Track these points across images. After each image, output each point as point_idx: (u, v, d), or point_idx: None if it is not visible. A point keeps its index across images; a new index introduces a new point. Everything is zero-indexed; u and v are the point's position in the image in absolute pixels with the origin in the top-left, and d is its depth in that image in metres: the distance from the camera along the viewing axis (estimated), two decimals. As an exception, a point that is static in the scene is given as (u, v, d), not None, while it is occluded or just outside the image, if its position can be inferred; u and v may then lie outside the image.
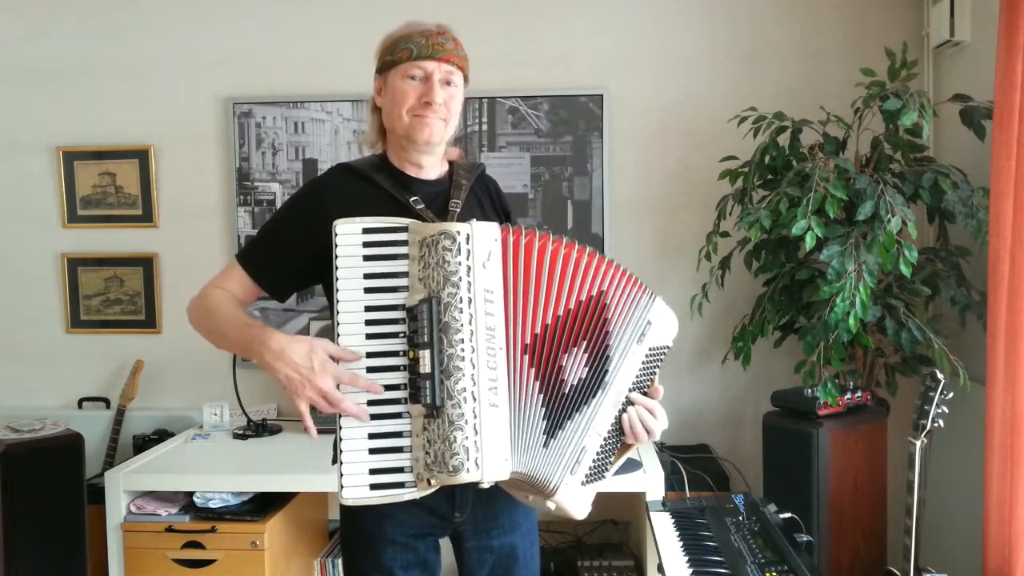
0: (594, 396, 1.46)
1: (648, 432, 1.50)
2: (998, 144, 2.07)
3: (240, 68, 3.09)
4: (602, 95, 2.98)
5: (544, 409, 1.45)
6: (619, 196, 3.02)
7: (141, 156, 3.13)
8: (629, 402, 1.49)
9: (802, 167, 2.41)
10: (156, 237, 3.16)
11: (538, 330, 1.45)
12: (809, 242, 2.23)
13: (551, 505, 1.47)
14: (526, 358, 1.44)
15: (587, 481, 1.48)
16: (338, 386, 1.41)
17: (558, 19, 3.00)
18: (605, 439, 1.48)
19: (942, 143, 2.79)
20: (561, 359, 1.45)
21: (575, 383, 1.46)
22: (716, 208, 2.69)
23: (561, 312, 1.46)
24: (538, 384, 1.45)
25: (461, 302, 1.40)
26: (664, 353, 1.55)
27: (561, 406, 1.46)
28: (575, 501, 1.47)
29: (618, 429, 1.50)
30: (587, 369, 1.46)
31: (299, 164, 3.08)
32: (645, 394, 1.52)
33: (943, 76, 2.79)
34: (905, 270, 2.19)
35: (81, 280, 3.19)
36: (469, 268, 1.41)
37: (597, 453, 1.48)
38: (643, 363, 1.51)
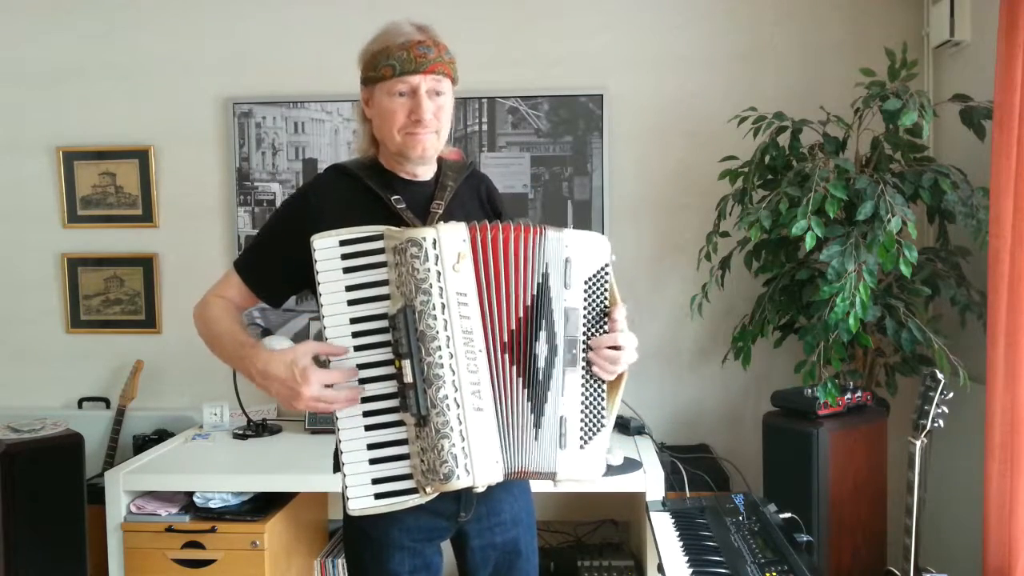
0: (553, 366, 1.45)
1: (622, 363, 1.48)
2: (998, 144, 2.07)
3: (240, 68, 3.09)
4: (602, 95, 2.98)
5: (530, 403, 1.45)
6: (619, 196, 3.01)
7: (141, 156, 3.13)
8: (589, 348, 1.47)
9: (802, 167, 2.41)
10: (156, 237, 3.16)
11: (513, 325, 1.44)
12: (809, 242, 2.23)
13: (559, 486, 1.47)
14: (506, 356, 1.44)
15: (585, 442, 1.47)
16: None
17: (558, 19, 3.00)
18: (584, 396, 1.47)
19: (942, 143, 2.79)
20: (535, 348, 1.45)
21: (543, 366, 1.45)
22: (716, 208, 2.69)
23: (528, 301, 1.45)
24: (520, 381, 1.45)
25: (434, 309, 1.40)
26: (606, 272, 1.50)
27: (540, 394, 1.45)
28: (583, 469, 1.46)
29: (594, 379, 1.49)
30: (547, 346, 1.46)
31: (299, 164, 3.08)
32: (604, 316, 1.49)
33: (943, 76, 2.79)
34: (905, 270, 2.19)
35: (81, 280, 3.19)
36: (439, 273, 1.41)
37: (582, 412, 1.47)
38: (584, 300, 1.48)
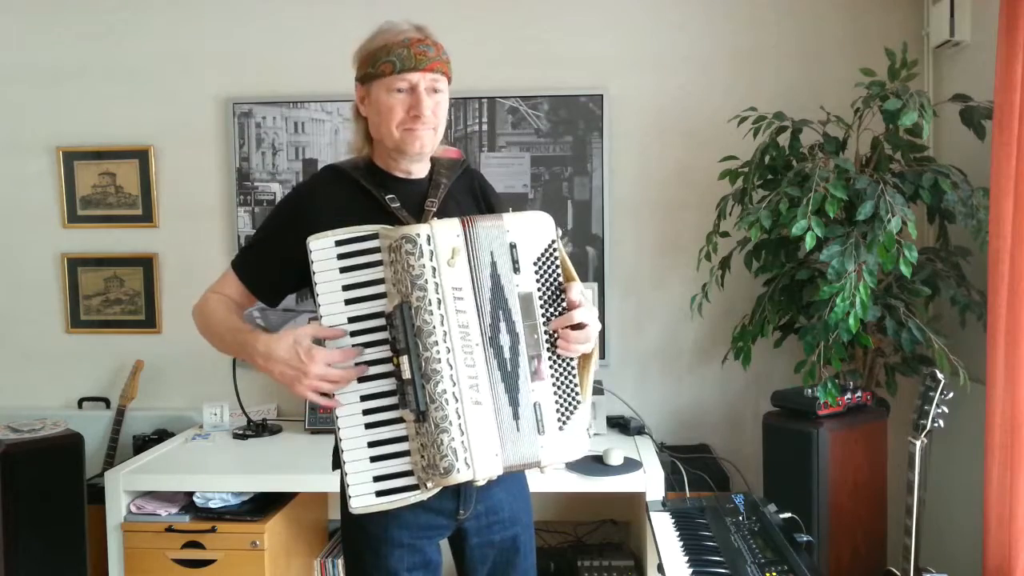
0: (517, 354, 1.46)
1: (587, 340, 1.49)
2: (998, 144, 2.07)
3: (240, 68, 3.09)
4: (602, 95, 2.98)
5: (507, 396, 1.46)
6: (619, 196, 3.02)
7: (141, 156, 3.13)
8: (550, 332, 1.48)
9: (802, 167, 2.41)
10: (156, 237, 3.16)
11: (488, 319, 1.46)
12: (809, 242, 2.23)
13: (547, 472, 1.48)
14: (491, 350, 1.45)
15: (564, 423, 1.47)
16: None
17: (558, 19, 3.00)
18: (555, 378, 1.48)
19: (942, 143, 2.79)
20: (499, 339, 1.46)
21: (508, 356, 1.46)
22: (716, 208, 2.69)
23: (489, 294, 1.46)
24: (500, 373, 1.46)
25: (430, 304, 1.41)
26: (555, 249, 1.49)
27: (512, 384, 1.46)
28: (565, 451, 1.47)
29: (562, 360, 1.49)
30: (508, 336, 1.46)
31: (299, 164, 3.08)
32: (561, 294, 1.48)
33: (943, 76, 2.79)
34: (905, 270, 2.19)
35: (81, 280, 3.19)
36: (434, 269, 1.42)
37: (555, 395, 1.48)
38: (537, 282, 1.48)
